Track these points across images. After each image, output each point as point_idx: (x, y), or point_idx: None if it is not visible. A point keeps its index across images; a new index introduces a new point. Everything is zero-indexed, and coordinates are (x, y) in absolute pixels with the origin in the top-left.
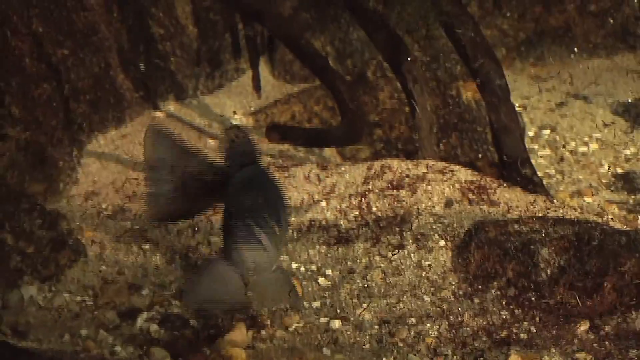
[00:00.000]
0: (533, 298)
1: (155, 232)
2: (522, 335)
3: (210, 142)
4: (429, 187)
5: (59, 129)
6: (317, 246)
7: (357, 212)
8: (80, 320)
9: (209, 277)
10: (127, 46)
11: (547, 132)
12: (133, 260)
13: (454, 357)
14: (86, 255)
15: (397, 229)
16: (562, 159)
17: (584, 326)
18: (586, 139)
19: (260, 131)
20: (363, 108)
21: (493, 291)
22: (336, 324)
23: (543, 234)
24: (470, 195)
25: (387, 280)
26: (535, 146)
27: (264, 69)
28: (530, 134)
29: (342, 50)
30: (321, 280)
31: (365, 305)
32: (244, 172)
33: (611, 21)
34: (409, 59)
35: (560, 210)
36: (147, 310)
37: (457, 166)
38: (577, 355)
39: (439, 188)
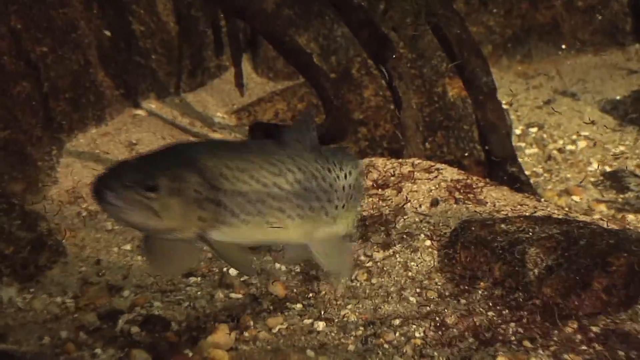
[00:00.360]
0: (520, 298)
1: (136, 232)
2: (509, 336)
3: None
4: (415, 186)
5: (38, 127)
6: (302, 246)
7: None
8: (60, 322)
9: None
10: (107, 43)
11: (534, 130)
12: (114, 261)
13: (440, 359)
14: (66, 256)
15: (383, 228)
16: (549, 157)
17: (572, 327)
18: (574, 136)
19: (244, 129)
20: (347, 106)
21: (480, 291)
22: (320, 325)
23: (530, 234)
24: (457, 194)
25: (372, 281)
26: (523, 144)
27: (246, 66)
28: (517, 131)
29: (326, 47)
30: (305, 280)
31: (349, 307)
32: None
33: (599, 17)
34: (394, 55)
35: (548, 209)
36: (128, 312)
37: (443, 165)
38: (565, 356)
39: (425, 187)
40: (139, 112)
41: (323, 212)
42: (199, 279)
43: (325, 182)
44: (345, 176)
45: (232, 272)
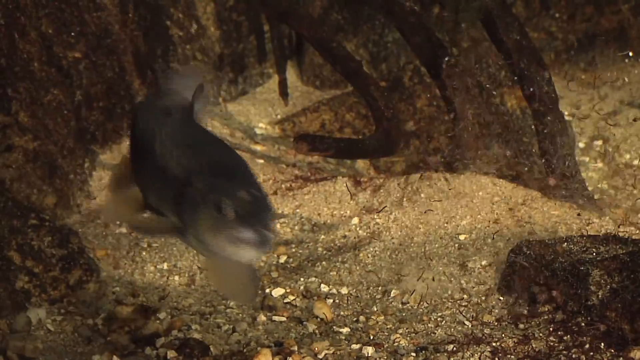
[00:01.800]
0: (583, 323)
1: (173, 250)
2: None
3: None
4: (471, 202)
5: (70, 138)
6: (350, 266)
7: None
8: (92, 345)
9: None
10: (144, 49)
11: (599, 143)
12: (149, 281)
13: None
14: (99, 275)
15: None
16: (615, 172)
17: (637, 354)
18: None
19: (288, 141)
20: (399, 116)
21: (539, 316)
22: (369, 350)
23: (594, 254)
24: (516, 211)
25: (425, 303)
26: (587, 158)
27: (291, 74)
28: (581, 145)
29: (376, 54)
30: (353, 303)
31: (400, 331)
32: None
33: None
34: (449, 63)
35: (613, 228)
36: (165, 335)
37: (501, 179)
38: None
39: (482, 203)
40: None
41: None
42: None
43: None
44: None
45: (275, 293)
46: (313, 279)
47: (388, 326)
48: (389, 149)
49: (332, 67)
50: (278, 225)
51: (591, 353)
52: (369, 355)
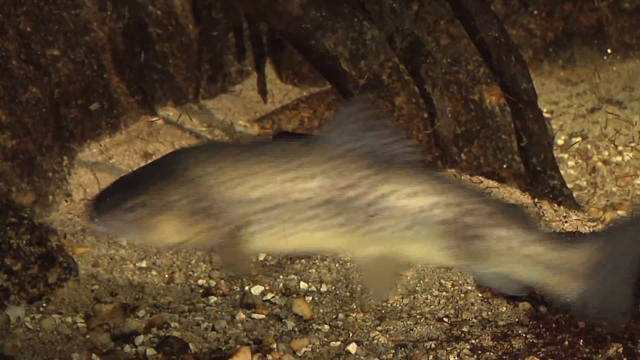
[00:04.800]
0: (562, 320)
1: (152, 248)
2: None
3: None
4: None
5: (48, 136)
6: (329, 264)
7: None
8: (71, 343)
9: None
10: (122, 47)
11: (577, 140)
12: (128, 279)
13: None
14: (78, 273)
15: None
16: (594, 169)
17: (615, 350)
18: (620, 147)
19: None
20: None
21: (518, 312)
22: (348, 348)
23: None
24: None
25: (404, 301)
26: (565, 155)
27: (270, 72)
28: (559, 142)
29: (355, 51)
30: (332, 300)
31: (380, 328)
32: None
33: None
34: (427, 60)
35: (592, 224)
36: (144, 333)
37: (480, 177)
38: None
39: None
40: (156, 119)
41: (359, 231)
42: (219, 298)
43: (362, 196)
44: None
45: (254, 291)
46: (292, 276)
47: (367, 323)
48: None
49: (310, 64)
50: None
51: (570, 350)
52: (348, 352)
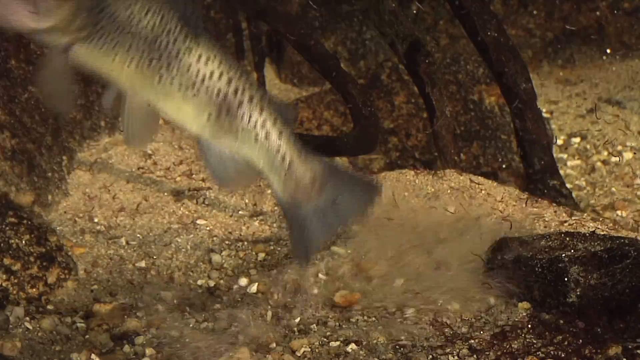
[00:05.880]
0: (561, 320)
1: (151, 248)
2: None
3: None
4: (450, 200)
5: (47, 136)
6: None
7: None
8: (70, 343)
9: None
10: None
11: (576, 140)
12: (128, 279)
13: None
14: (77, 273)
15: None
16: (593, 169)
17: (615, 350)
18: (619, 147)
19: None
20: (377, 114)
21: (518, 313)
22: (347, 347)
23: (572, 251)
24: (493, 209)
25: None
26: (564, 155)
27: (269, 72)
28: (559, 142)
29: (354, 51)
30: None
31: (379, 328)
32: None
33: None
34: (427, 60)
35: (591, 224)
36: (144, 333)
37: (479, 177)
38: None
39: (459, 200)
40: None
41: (158, 74)
42: (219, 298)
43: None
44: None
45: (253, 290)
46: (293, 276)
47: (367, 323)
48: (366, 146)
49: (310, 64)
50: (257, 223)
51: (569, 350)
52: (348, 352)
